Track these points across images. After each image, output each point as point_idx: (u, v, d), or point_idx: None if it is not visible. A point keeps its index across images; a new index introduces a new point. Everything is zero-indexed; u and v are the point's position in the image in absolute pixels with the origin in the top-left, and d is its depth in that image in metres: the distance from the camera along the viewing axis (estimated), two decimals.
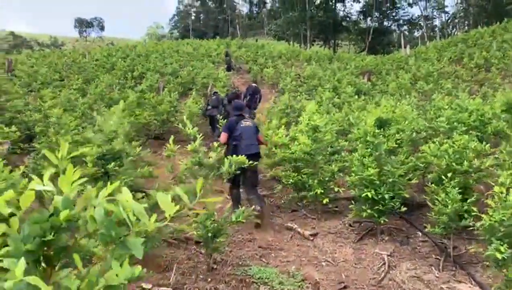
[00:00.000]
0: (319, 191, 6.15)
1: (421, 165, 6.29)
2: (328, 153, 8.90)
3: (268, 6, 78.72)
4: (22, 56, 27.40)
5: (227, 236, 4.55)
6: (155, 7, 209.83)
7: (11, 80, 17.03)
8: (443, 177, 5.06)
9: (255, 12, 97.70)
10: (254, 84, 16.05)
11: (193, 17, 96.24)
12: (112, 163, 3.44)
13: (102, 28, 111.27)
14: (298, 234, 5.81)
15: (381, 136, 5.73)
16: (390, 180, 5.33)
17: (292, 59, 29.69)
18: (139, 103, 13.06)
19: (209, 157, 4.61)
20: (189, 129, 4.57)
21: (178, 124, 8.22)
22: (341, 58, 32.01)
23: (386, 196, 5.22)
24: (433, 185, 5.34)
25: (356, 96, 15.78)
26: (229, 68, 25.09)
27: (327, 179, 6.33)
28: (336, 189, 6.26)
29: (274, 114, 12.18)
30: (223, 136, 6.50)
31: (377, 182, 5.31)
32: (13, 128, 8.21)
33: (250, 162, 5.06)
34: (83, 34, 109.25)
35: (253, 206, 4.91)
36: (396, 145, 5.92)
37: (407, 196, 5.46)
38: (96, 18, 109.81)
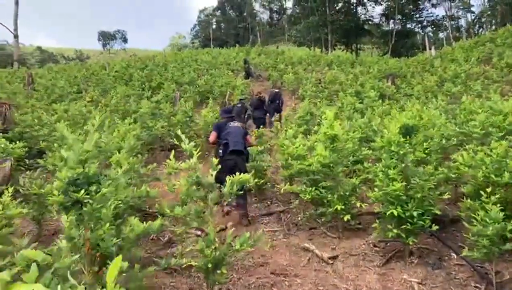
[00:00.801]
0: (339, 207, 5.54)
1: (453, 176, 5.60)
2: (349, 163, 8.34)
3: (289, 12, 78.10)
4: (43, 70, 27.52)
5: (232, 264, 3.98)
6: (178, 18, 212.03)
7: (28, 94, 17.01)
8: (480, 191, 4.39)
9: (275, 19, 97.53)
10: (275, 90, 16.42)
11: (214, 26, 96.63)
12: (82, 191, 2.93)
13: (125, 40, 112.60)
14: (316, 256, 5.19)
15: (407, 145, 5.08)
16: (419, 195, 4.68)
17: (313, 64, 29.06)
18: (154, 114, 12.69)
19: (210, 175, 4.05)
20: (184, 144, 4.02)
21: (173, 138, 7.77)
22: (363, 62, 31.22)
23: (415, 213, 4.57)
24: (468, 200, 4.68)
25: (380, 101, 15.07)
26: (248, 76, 24.72)
27: (348, 193, 5.71)
28: (358, 204, 5.60)
29: (292, 121, 11.58)
30: (212, 136, 7.14)
31: (404, 197, 4.68)
32: (20, 143, 7.90)
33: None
34: (106, 46, 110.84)
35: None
36: (425, 155, 5.24)
37: (438, 212, 4.79)
38: (119, 31, 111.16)
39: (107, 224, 3.26)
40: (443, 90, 17.21)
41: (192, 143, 3.99)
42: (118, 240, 3.31)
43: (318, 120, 12.69)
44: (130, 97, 15.97)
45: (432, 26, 56.96)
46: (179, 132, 4.21)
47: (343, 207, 5.56)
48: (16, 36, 37.55)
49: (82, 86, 19.70)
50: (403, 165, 4.84)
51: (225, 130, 7.00)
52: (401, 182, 4.72)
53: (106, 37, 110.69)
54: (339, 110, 13.13)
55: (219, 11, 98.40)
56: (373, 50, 60.97)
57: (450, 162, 6.62)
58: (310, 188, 5.90)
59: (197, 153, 4.02)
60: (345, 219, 5.51)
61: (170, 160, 4.24)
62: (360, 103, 14.99)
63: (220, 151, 6.80)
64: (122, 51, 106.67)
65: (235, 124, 7.20)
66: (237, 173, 5.13)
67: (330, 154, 5.79)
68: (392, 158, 5.10)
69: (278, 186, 6.98)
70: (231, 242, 3.84)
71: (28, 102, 13.59)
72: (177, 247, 5.25)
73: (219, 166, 4.37)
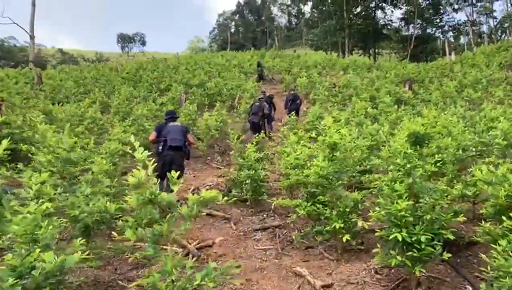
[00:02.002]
0: (338, 225, 4.84)
1: (470, 193, 4.84)
2: (355, 173, 7.63)
3: (307, 16, 77.39)
4: (54, 71, 27.33)
5: None
6: (197, 21, 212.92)
7: (34, 94, 16.66)
8: (502, 214, 3.67)
9: (293, 23, 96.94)
10: (293, 91, 16.46)
11: (232, 30, 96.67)
12: None
13: (143, 43, 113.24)
14: (308, 283, 4.49)
15: (416, 156, 4.36)
16: (428, 216, 3.96)
17: (328, 68, 28.33)
18: (156, 116, 12.15)
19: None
20: (137, 152, 3.36)
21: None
22: (380, 66, 30.37)
23: (423, 238, 3.85)
24: (487, 224, 3.96)
25: (396, 106, 14.28)
26: (260, 79, 24.21)
27: (348, 209, 5.01)
28: (360, 223, 4.87)
29: (298, 127, 10.91)
30: (152, 135, 7.77)
31: (411, 219, 3.96)
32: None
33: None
34: (125, 49, 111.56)
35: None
36: (436, 169, 4.49)
37: (451, 237, 4.05)
38: (138, 34, 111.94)
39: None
40: (463, 96, 16.37)
41: (146, 152, 3.32)
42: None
43: (319, 127, 12.04)
44: (134, 98, 15.46)
45: (453, 31, 55.56)
46: (132, 138, 3.55)
47: (342, 225, 4.86)
48: (32, 37, 37.68)
49: (89, 87, 19.30)
50: (410, 180, 4.12)
51: (165, 129, 7.65)
52: (407, 200, 4.01)
53: (125, 40, 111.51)
54: (350, 115, 12.40)
55: (238, 15, 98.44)
56: (392, 55, 59.80)
57: (467, 175, 5.89)
58: (306, 203, 5.20)
59: (151, 164, 3.35)
60: (344, 239, 4.81)
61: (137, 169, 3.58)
62: (374, 108, 14.27)
63: (160, 147, 7.43)
64: (140, 54, 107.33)
65: (175, 123, 7.90)
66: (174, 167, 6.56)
67: (328, 164, 5.09)
68: (400, 171, 4.39)
69: (270, 200, 6.26)
70: (193, 272, 3.18)
71: (28, 102, 13.18)
72: (146, 270, 4.60)
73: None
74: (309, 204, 5.18)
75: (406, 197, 4.07)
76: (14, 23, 37.88)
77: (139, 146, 3.34)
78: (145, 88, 18.66)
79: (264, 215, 6.88)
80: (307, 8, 73.81)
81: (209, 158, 11.25)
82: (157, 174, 6.01)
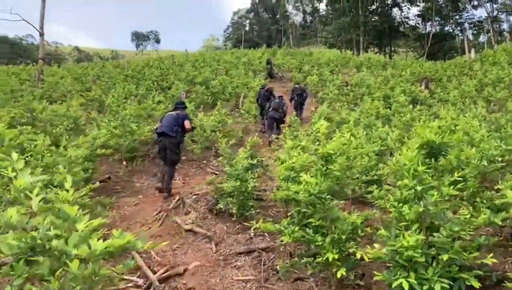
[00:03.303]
0: (331, 256, 3.88)
1: (499, 222, 3.78)
2: (361, 184, 6.65)
3: (322, 14, 75.97)
4: (56, 68, 26.70)
5: None
6: (212, 20, 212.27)
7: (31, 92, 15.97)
8: None
9: (308, 21, 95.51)
10: (297, 85, 16.32)
11: (247, 28, 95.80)
12: None
13: (158, 41, 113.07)
14: None
15: (429, 174, 3.37)
16: (445, 257, 2.97)
17: (341, 66, 27.20)
18: (149, 116, 11.28)
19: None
20: (17, 179, 2.40)
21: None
22: (396, 64, 29.12)
23: (437, 287, 2.87)
24: None
25: (411, 106, 13.24)
26: (270, 76, 23.32)
27: (345, 236, 4.02)
28: (359, 254, 3.87)
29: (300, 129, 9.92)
30: (157, 124, 8.29)
31: (422, 259, 2.99)
32: None
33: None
34: (139, 47, 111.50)
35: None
36: (456, 193, 3.45)
37: (476, 286, 3.03)
38: (152, 32, 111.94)
39: None
40: (483, 95, 15.21)
41: (30, 178, 2.39)
42: None
43: (336, 126, 11.04)
44: (133, 96, 14.62)
45: (473, 28, 53.67)
46: (13, 155, 2.63)
47: (337, 256, 3.89)
48: (41, 34, 37.09)
49: (89, 85, 18.54)
50: (421, 209, 3.13)
51: (163, 118, 8.22)
52: (418, 232, 3.04)
53: (139, 38, 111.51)
54: (360, 115, 11.38)
55: (253, 13, 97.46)
56: (408, 53, 58.14)
57: (491, 191, 4.86)
58: (292, 228, 4.20)
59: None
60: (339, 274, 3.82)
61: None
62: (387, 108, 13.23)
63: (155, 135, 8.15)
64: (154, 51, 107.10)
65: (172, 113, 8.23)
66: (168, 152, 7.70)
67: (321, 180, 4.11)
68: (408, 193, 3.40)
69: (248, 223, 5.25)
70: None
71: (18, 100, 12.41)
72: None
73: None
74: (296, 228, 4.19)
75: (416, 229, 3.09)
76: (23, 19, 37.30)
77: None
78: (146, 86, 17.82)
79: (252, 234, 5.90)
80: (322, 6, 72.39)
81: (204, 162, 10.33)
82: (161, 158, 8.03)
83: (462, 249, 3.20)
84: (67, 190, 2.84)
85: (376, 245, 3.31)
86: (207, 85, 18.44)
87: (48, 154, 5.99)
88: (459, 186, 3.34)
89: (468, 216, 3.23)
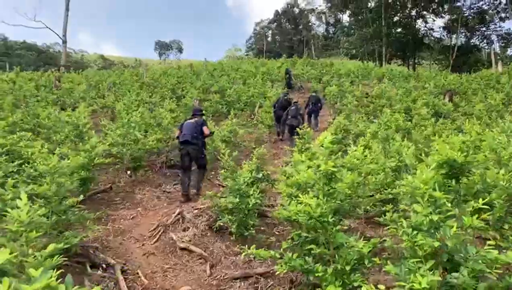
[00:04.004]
0: (333, 289, 3.35)
1: None
2: (377, 202, 6.09)
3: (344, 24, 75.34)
4: (73, 74, 26.71)
5: None
6: (236, 30, 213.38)
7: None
8: None
9: (331, 32, 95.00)
10: (314, 94, 16.72)
11: (269, 39, 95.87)
12: None
13: (180, 51, 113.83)
14: None
15: (447, 201, 2.81)
16: None
17: (362, 77, 26.54)
18: (159, 124, 10.88)
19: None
20: None
21: None
22: (419, 76, 28.28)
23: None
24: None
25: (433, 119, 12.57)
26: (288, 86, 22.86)
27: (349, 267, 3.48)
28: (365, 289, 3.31)
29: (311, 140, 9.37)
30: (176, 133, 8.64)
31: None
32: None
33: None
34: (162, 56, 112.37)
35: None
36: (484, 226, 2.84)
37: None
38: (175, 41, 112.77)
39: None
40: (511, 109, 14.42)
41: None
42: None
43: (353, 139, 10.47)
44: (141, 105, 14.32)
45: (502, 41, 52.18)
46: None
47: (339, 289, 3.35)
48: (64, 42, 37.62)
49: (103, 92, 18.35)
50: (437, 243, 2.58)
51: (182, 126, 8.45)
52: (433, 272, 2.49)
53: (162, 47, 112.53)
54: (378, 128, 10.77)
55: (275, 23, 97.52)
56: (432, 66, 56.96)
57: None
58: (289, 255, 3.67)
59: None
60: None
61: None
62: (408, 121, 12.59)
63: (178, 143, 8.49)
64: (177, 61, 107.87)
65: (191, 120, 8.51)
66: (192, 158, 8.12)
67: (323, 201, 3.59)
68: (424, 218, 2.85)
69: (240, 247, 4.70)
70: None
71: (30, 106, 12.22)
72: None
73: None
74: (294, 256, 3.66)
75: (431, 267, 2.54)
76: (47, 27, 37.93)
77: None
78: (161, 94, 17.53)
79: (252, 256, 5.39)
80: (345, 17, 71.85)
81: (212, 173, 9.88)
82: (181, 166, 8.31)
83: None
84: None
85: (381, 287, 2.74)
86: (223, 94, 18.08)
87: (40, 162, 5.59)
88: (485, 215, 2.77)
89: (496, 252, 2.65)
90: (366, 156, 6.55)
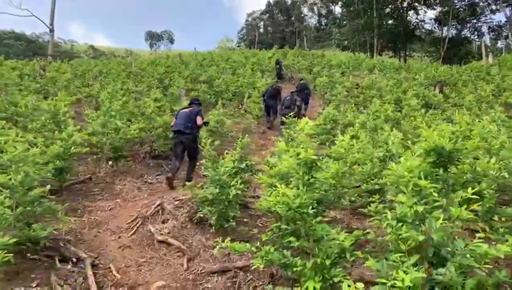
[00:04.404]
0: (312, 284, 3.13)
1: None
2: (363, 193, 5.89)
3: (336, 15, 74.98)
4: (59, 64, 26.12)
5: None
6: (227, 21, 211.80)
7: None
8: None
9: (323, 24, 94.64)
10: (302, 81, 16.94)
11: (261, 30, 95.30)
12: None
13: (171, 41, 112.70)
14: None
15: (434, 191, 2.59)
16: None
17: (353, 68, 26.33)
18: (142, 113, 10.56)
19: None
20: None
21: None
22: (410, 67, 28.11)
23: None
24: None
25: (423, 110, 12.43)
26: (279, 77, 22.58)
27: (330, 261, 3.26)
28: (346, 285, 3.08)
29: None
30: (172, 122, 8.63)
31: None
32: None
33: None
34: (153, 47, 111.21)
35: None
36: (473, 217, 2.61)
37: None
38: (166, 31, 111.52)
39: None
40: (501, 100, 14.31)
41: None
42: None
43: (341, 130, 10.27)
44: (126, 94, 13.98)
45: (492, 34, 52.15)
46: None
47: (318, 285, 3.13)
48: (51, 31, 37.00)
49: (88, 81, 17.95)
50: (421, 237, 2.35)
51: (177, 115, 8.44)
52: (418, 268, 2.27)
53: (153, 38, 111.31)
54: (367, 118, 10.57)
55: (267, 14, 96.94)
56: (423, 58, 56.89)
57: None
58: (267, 248, 3.43)
59: None
60: None
61: None
62: (398, 111, 12.41)
63: (172, 132, 8.53)
64: (168, 51, 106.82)
65: (185, 110, 8.52)
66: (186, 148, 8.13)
67: (303, 191, 3.35)
68: (409, 210, 2.63)
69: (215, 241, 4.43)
70: None
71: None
72: None
73: None
74: (272, 249, 3.43)
75: (415, 263, 2.32)
76: (33, 15, 37.32)
77: None
78: (148, 83, 17.18)
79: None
80: (337, 9, 71.32)
81: (197, 163, 9.61)
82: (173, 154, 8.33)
83: (476, 288, 2.43)
84: None
85: (360, 286, 2.51)
86: (211, 83, 17.77)
87: (8, 151, 5.29)
88: (474, 206, 2.55)
89: (485, 246, 2.43)
90: (353, 145, 6.34)
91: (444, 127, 3.39)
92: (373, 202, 4.53)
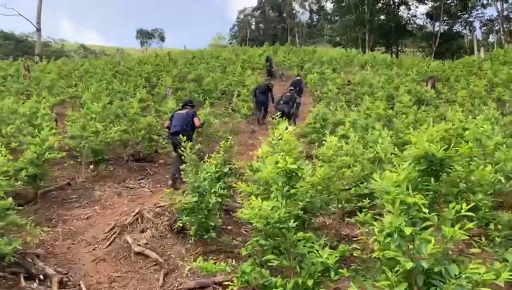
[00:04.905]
0: None
1: None
2: (352, 197, 5.60)
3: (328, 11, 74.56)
4: (44, 63, 25.59)
5: None
6: (219, 19, 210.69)
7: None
8: None
9: (315, 20, 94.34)
10: (297, 78, 17.03)
11: (253, 27, 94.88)
12: None
13: (162, 39, 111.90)
14: None
15: (423, 206, 2.29)
16: None
17: (344, 64, 26.06)
18: (125, 114, 10.20)
19: None
20: None
21: None
22: (402, 63, 27.86)
23: None
24: None
25: (415, 107, 12.16)
26: (269, 75, 22.26)
27: (313, 281, 2.96)
28: None
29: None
30: (166, 123, 8.81)
31: None
32: None
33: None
34: (144, 45, 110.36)
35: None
36: (465, 235, 2.32)
37: None
38: (157, 29, 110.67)
39: None
40: (494, 96, 14.10)
41: None
42: None
43: (332, 128, 9.97)
44: (116, 94, 13.63)
45: (484, 28, 52.07)
46: None
47: None
48: (38, 30, 36.45)
49: (72, 81, 17.52)
50: (410, 263, 2.06)
51: (173, 117, 8.47)
52: None
53: (144, 36, 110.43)
54: (358, 116, 10.28)
55: (259, 11, 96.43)
56: (415, 53, 56.76)
57: (510, 215, 3.79)
58: (243, 267, 3.12)
59: None
60: None
61: None
62: (390, 109, 12.13)
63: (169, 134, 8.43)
64: (159, 50, 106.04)
65: (181, 111, 8.59)
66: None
67: (282, 203, 3.05)
68: (392, 235, 2.33)
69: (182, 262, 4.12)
70: None
71: None
72: None
73: None
74: (249, 268, 3.12)
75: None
76: (19, 14, 36.69)
77: None
78: (134, 82, 16.81)
79: (213, 258, 4.86)
80: (328, 5, 70.90)
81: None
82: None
83: None
84: None
85: None
86: (200, 82, 17.41)
87: None
88: (470, 225, 2.25)
89: (483, 270, 2.13)
90: (341, 146, 6.03)
91: (434, 130, 3.09)
92: (363, 208, 4.26)
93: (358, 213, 4.63)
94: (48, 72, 19.88)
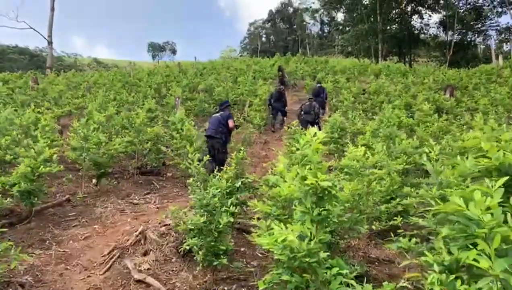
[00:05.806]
0: None
1: None
2: (383, 213, 4.92)
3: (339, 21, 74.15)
4: (53, 76, 25.30)
5: None
6: (229, 31, 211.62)
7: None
8: None
9: (326, 31, 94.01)
10: (318, 85, 16.63)
11: (263, 39, 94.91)
12: None
13: (174, 52, 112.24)
14: None
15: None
16: None
17: (358, 73, 25.39)
18: (131, 125, 9.63)
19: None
20: None
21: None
22: (417, 72, 27.12)
23: None
24: None
25: (436, 115, 11.49)
26: (282, 84, 21.71)
27: None
28: None
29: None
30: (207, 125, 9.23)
31: None
32: None
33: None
34: (156, 58, 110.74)
35: None
36: None
37: None
38: (168, 42, 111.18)
39: None
40: None
41: None
42: None
43: (350, 138, 9.31)
44: (124, 105, 13.10)
45: (501, 36, 51.00)
46: None
47: None
48: (50, 43, 36.45)
49: (80, 93, 17.10)
50: None
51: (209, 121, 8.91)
52: None
53: (155, 49, 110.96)
54: (379, 125, 9.60)
55: (269, 23, 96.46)
56: (429, 63, 55.87)
57: None
58: None
59: None
60: None
61: None
62: (409, 117, 11.47)
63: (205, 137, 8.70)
64: (170, 62, 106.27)
65: (216, 115, 8.84)
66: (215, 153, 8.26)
67: (312, 230, 2.39)
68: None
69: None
70: None
71: None
72: None
73: None
74: None
75: None
76: (31, 27, 36.85)
77: None
78: (144, 93, 16.33)
79: (226, 288, 4.19)
80: (339, 15, 70.43)
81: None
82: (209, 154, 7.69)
83: None
84: None
85: None
86: (211, 92, 16.88)
87: None
88: None
89: None
90: (368, 157, 5.35)
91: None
92: (397, 227, 3.58)
93: (391, 234, 4.00)
94: (56, 83, 19.53)
